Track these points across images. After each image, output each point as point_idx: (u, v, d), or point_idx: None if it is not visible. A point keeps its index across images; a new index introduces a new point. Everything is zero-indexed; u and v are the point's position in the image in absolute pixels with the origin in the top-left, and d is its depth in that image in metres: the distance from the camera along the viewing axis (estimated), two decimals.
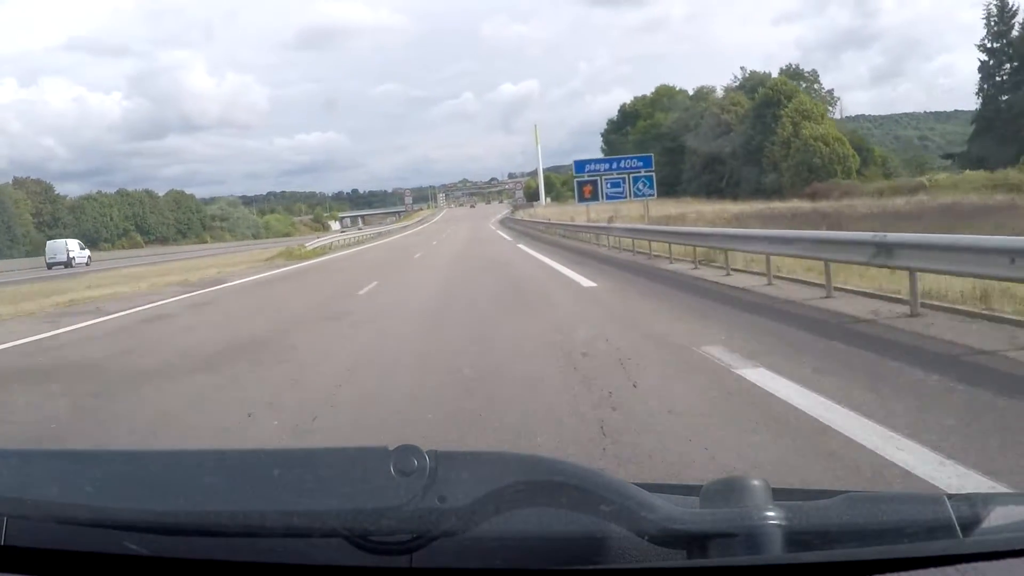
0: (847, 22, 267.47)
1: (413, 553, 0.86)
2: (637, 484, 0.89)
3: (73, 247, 40.81)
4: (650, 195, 29.91)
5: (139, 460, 1.11)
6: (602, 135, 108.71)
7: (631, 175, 30.60)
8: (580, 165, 32.06)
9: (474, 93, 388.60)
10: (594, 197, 30.38)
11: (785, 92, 65.97)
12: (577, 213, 49.06)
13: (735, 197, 57.85)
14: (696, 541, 0.84)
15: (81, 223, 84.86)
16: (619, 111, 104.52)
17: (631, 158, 32.79)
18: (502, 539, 0.87)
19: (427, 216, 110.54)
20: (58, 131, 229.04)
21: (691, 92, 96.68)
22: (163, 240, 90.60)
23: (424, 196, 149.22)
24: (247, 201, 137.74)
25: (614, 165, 31.37)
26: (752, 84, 77.99)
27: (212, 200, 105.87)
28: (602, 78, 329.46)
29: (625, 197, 30.26)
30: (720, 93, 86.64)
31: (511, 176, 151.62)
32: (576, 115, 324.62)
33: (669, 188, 63.45)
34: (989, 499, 0.90)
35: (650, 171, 30.48)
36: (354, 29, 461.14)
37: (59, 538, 0.94)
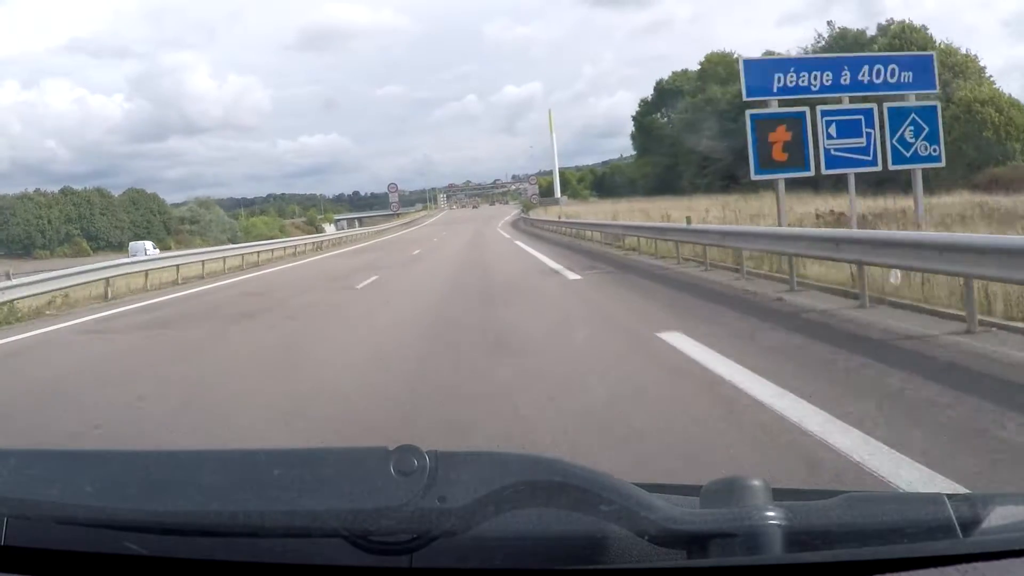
0: (851, 24, 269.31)
1: (413, 553, 0.95)
2: (637, 484, 0.98)
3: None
4: (934, 160, 15.05)
5: (139, 460, 1.21)
6: (634, 118, 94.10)
7: (882, 103, 14.99)
8: (759, 72, 15.06)
9: (477, 95, 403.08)
10: (797, 162, 14.42)
11: (917, 42, 49.61)
12: (659, 207, 32.59)
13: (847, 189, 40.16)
14: (696, 541, 0.93)
15: (9, 226, 79.66)
16: (655, 89, 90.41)
17: (889, 59, 16.20)
18: (502, 539, 0.96)
19: (420, 218, 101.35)
20: (60, 133, 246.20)
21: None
22: (117, 246, 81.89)
23: (423, 198, 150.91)
24: (246, 203, 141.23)
25: (852, 72, 14.95)
26: (846, 44, 58.90)
27: (182, 203, 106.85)
28: (606, 80, 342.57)
29: (874, 163, 14.82)
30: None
31: (515, 178, 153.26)
32: (580, 117, 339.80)
33: (734, 181, 49.47)
34: (989, 499, 0.99)
35: (930, 101, 15.40)
36: (356, 31, 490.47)
37: (59, 538, 1.03)
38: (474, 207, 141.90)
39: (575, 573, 0.99)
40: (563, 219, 39.96)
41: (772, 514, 0.94)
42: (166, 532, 1.01)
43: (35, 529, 1.06)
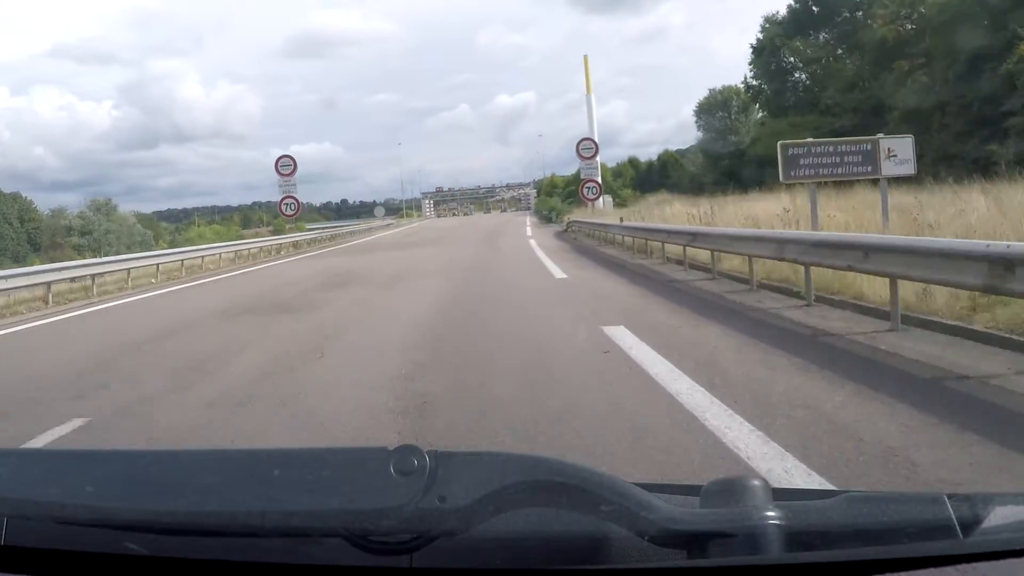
0: None
1: (413, 553, 0.98)
2: (637, 484, 1.02)
3: None
4: None
5: (139, 460, 1.25)
6: (754, 49, 52.69)
7: None
8: None
9: (470, 105, 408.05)
10: None
11: None
12: None
13: None
14: (696, 541, 0.96)
15: None
16: (791, 6, 49.36)
17: None
18: (502, 539, 0.99)
19: (347, 235, 51.71)
20: (48, 140, 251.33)
21: None
22: None
23: (411, 206, 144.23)
24: (232, 211, 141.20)
25: None
26: None
27: (165, 210, 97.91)
28: (599, 90, 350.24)
29: None
30: None
31: (509, 187, 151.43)
32: (576, 126, 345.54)
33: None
34: (989, 499, 1.02)
35: None
36: (348, 39, 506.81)
37: (59, 538, 1.06)
38: (465, 214, 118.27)
39: (575, 573, 1.02)
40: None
41: (772, 514, 0.97)
42: (166, 532, 1.04)
43: (35, 529, 1.09)
